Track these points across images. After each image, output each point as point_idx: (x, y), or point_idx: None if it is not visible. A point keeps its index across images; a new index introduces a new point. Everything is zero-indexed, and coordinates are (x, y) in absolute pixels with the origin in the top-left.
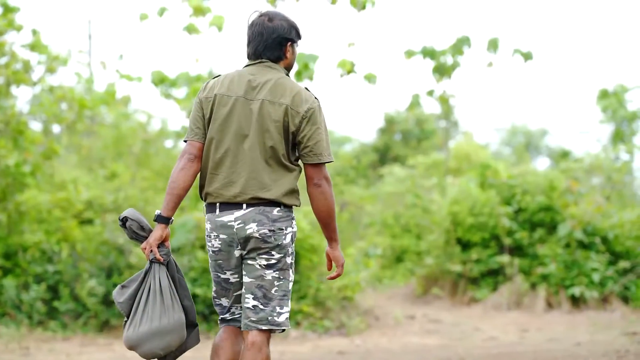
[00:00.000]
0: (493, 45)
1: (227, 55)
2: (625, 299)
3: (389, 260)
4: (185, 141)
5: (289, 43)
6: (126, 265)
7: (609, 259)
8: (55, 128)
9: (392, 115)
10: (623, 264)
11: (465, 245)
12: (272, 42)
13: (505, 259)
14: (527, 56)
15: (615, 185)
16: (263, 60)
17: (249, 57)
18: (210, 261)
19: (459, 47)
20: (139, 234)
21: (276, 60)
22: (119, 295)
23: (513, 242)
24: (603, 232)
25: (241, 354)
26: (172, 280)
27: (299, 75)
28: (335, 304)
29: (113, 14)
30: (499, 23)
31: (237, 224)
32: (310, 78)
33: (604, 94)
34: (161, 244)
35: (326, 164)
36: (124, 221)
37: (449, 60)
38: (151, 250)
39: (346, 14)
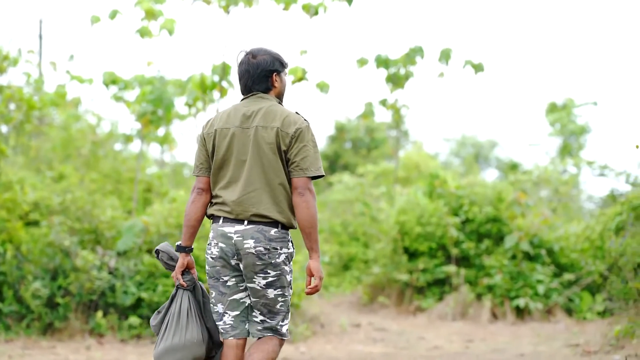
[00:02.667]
0: (445, 56)
1: (178, 58)
2: (569, 311)
3: (336, 268)
4: (196, 176)
5: (274, 74)
6: (71, 268)
7: (554, 271)
8: (3, 128)
9: (342, 123)
10: (568, 276)
11: (412, 255)
12: (258, 77)
13: (451, 269)
14: (478, 68)
15: (562, 198)
16: (254, 93)
17: (242, 93)
18: (208, 269)
19: (411, 57)
20: (169, 264)
21: (265, 91)
22: (154, 320)
23: (460, 253)
24: (549, 244)
25: (252, 346)
26: (197, 303)
27: None
28: None
29: (65, 15)
30: (451, 34)
31: (237, 237)
32: None
33: (552, 108)
34: (187, 271)
35: (312, 179)
36: (157, 253)
37: (401, 70)
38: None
39: (299, 21)
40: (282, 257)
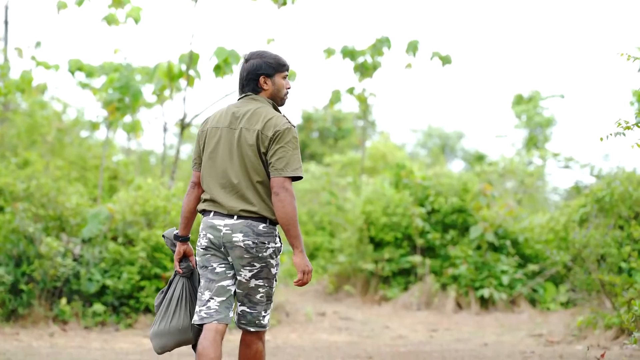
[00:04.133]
0: (412, 47)
1: (145, 46)
2: (533, 301)
3: None
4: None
5: (261, 77)
6: (36, 255)
7: (519, 261)
8: None
9: (310, 112)
10: (532, 267)
11: (378, 245)
12: (247, 79)
13: (417, 259)
14: (446, 60)
15: (527, 189)
16: (247, 94)
17: (239, 93)
18: (197, 259)
19: (378, 47)
20: (173, 249)
21: (256, 92)
22: (157, 299)
23: (425, 243)
24: (513, 235)
25: (239, 348)
26: (193, 290)
27: (218, 69)
28: None
29: (31, 0)
30: (419, 26)
31: (225, 229)
32: (231, 72)
33: (519, 100)
34: (185, 258)
35: (291, 179)
36: (164, 238)
37: (369, 59)
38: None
39: (267, 11)
40: (269, 251)
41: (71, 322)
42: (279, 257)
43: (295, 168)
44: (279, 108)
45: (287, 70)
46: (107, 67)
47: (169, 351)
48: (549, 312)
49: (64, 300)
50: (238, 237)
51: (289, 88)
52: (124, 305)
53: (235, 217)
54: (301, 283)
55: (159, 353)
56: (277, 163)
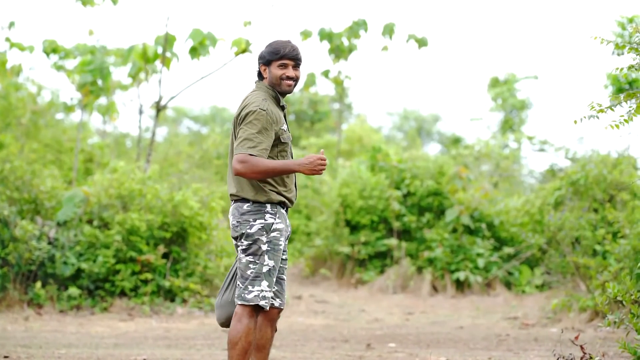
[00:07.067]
0: (389, 30)
1: (120, 27)
2: (508, 284)
3: None
4: None
5: (261, 65)
6: (10, 238)
7: (494, 244)
8: None
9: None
10: (507, 250)
11: (354, 228)
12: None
13: (393, 242)
14: (422, 42)
15: (502, 172)
16: (256, 81)
17: None
18: None
19: (355, 30)
20: None
21: (261, 79)
22: None
23: (401, 226)
24: (489, 218)
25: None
26: None
27: (194, 51)
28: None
29: None
30: (396, 8)
31: (229, 216)
32: (207, 54)
33: (494, 82)
34: None
35: (248, 153)
36: None
37: (345, 42)
38: None
39: None
40: (255, 228)
41: (46, 305)
42: (272, 233)
43: (249, 146)
44: (283, 96)
45: (283, 58)
46: (81, 49)
47: (227, 325)
48: (524, 295)
49: (38, 284)
50: (230, 219)
51: (288, 76)
52: (99, 289)
53: (232, 201)
54: (319, 172)
55: (220, 325)
56: (235, 142)
